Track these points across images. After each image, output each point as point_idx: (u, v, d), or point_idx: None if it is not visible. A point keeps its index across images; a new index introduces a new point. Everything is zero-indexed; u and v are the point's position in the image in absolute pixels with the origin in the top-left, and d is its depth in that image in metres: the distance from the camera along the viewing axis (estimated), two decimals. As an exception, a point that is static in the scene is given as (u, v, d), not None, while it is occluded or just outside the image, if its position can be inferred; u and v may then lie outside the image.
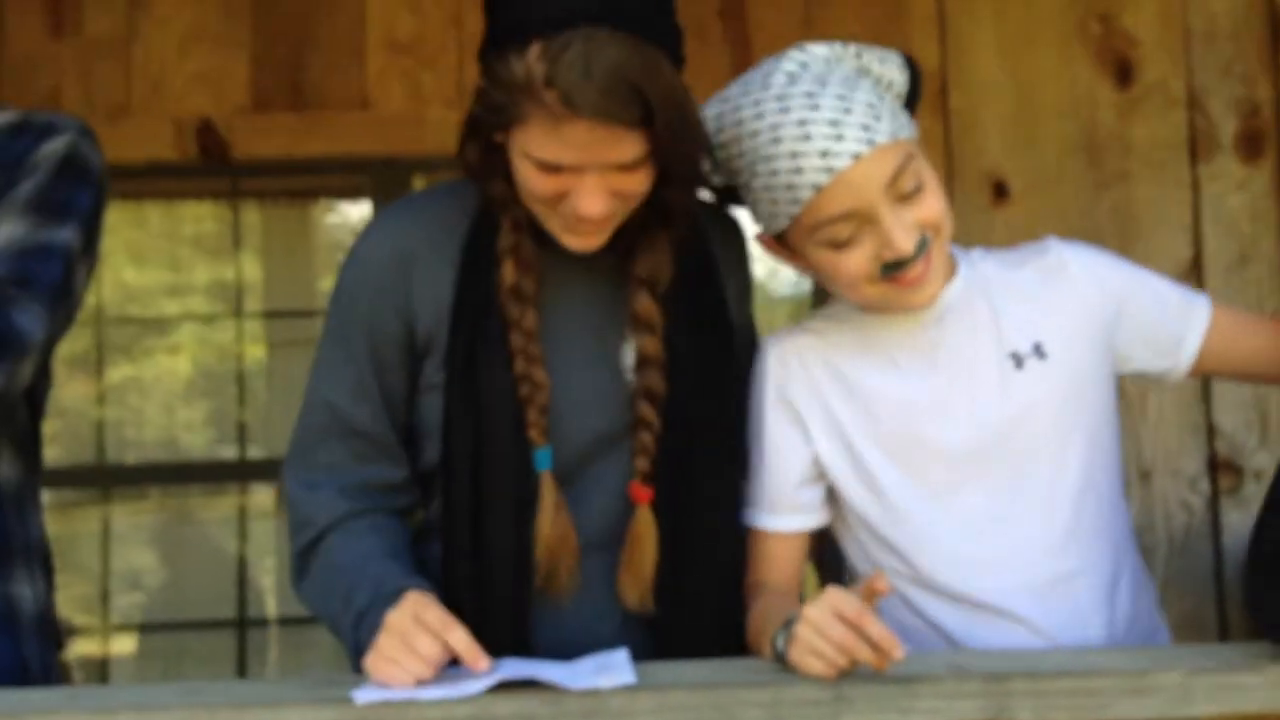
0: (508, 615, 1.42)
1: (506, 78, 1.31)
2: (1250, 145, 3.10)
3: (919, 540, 1.49)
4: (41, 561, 1.64)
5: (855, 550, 1.56)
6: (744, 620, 1.47)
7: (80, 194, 1.59)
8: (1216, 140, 3.13)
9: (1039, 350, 1.50)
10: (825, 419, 1.51)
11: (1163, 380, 1.60)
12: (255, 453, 3.55)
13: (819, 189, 1.36)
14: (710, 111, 1.45)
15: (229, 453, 3.60)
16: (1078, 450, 1.50)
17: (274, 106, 3.13)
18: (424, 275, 1.45)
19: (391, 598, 1.32)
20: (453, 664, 1.29)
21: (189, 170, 3.14)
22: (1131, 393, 3.04)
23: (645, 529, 1.44)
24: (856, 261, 1.39)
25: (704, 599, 1.47)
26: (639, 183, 1.36)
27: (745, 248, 1.59)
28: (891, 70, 1.45)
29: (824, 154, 1.35)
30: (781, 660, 1.29)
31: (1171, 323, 1.54)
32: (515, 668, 1.27)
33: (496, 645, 1.31)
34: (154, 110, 3.09)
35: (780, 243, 1.47)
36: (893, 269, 1.39)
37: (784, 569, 1.53)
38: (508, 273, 1.42)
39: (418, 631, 1.26)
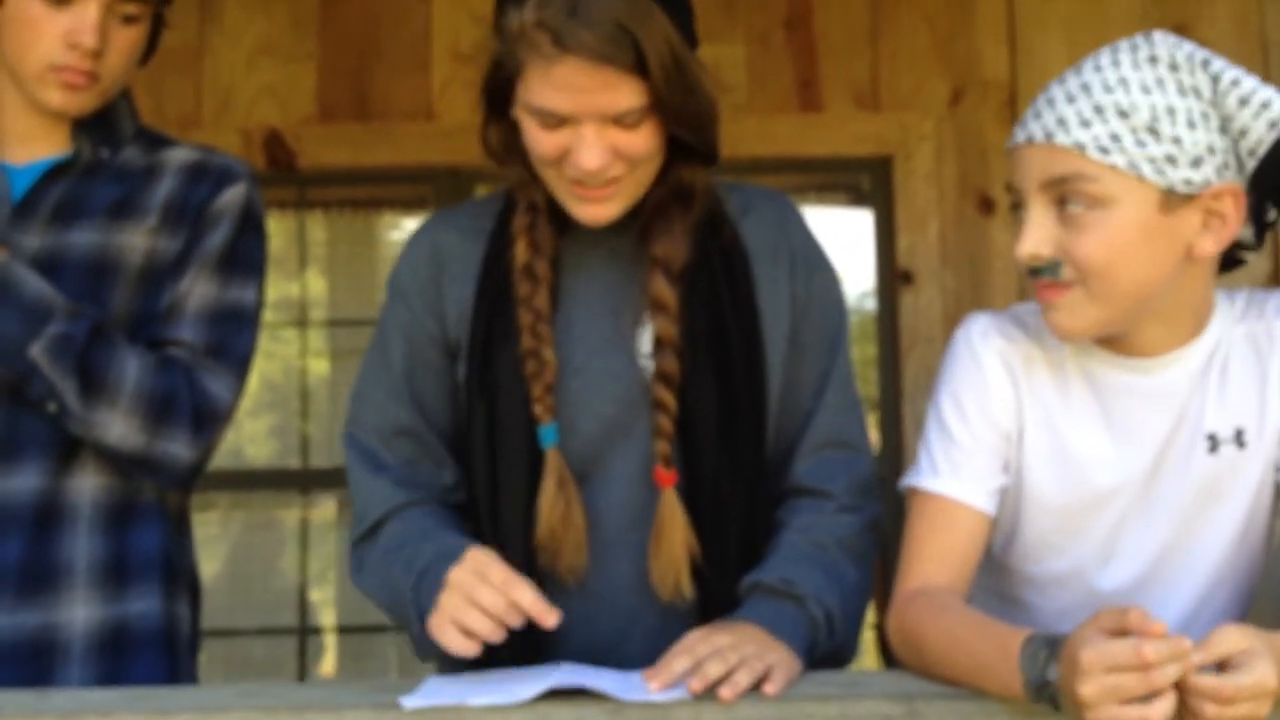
0: None
1: (504, 28, 1.35)
2: (1332, 157, 3.02)
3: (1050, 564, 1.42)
4: (192, 584, 1.67)
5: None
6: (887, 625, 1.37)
7: (258, 247, 1.65)
8: (1295, 152, 3.05)
9: (1239, 438, 1.36)
10: (1037, 409, 1.40)
11: None
12: (318, 462, 3.57)
13: (1010, 146, 1.33)
14: None
15: (293, 462, 3.62)
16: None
17: (340, 117, 3.16)
18: (454, 276, 1.48)
19: (454, 556, 1.30)
20: (502, 665, 1.27)
21: (257, 180, 3.18)
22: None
23: (671, 514, 1.40)
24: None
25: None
26: (641, 141, 1.36)
27: (793, 224, 1.51)
28: (1252, 118, 1.28)
29: (1022, 120, 1.32)
30: (1046, 699, 1.14)
31: None
32: (568, 675, 1.23)
33: (512, 630, 1.27)
34: (223, 121, 3.14)
35: None
36: (1032, 273, 1.31)
37: (959, 560, 1.36)
38: (520, 251, 1.44)
39: (480, 586, 1.25)
